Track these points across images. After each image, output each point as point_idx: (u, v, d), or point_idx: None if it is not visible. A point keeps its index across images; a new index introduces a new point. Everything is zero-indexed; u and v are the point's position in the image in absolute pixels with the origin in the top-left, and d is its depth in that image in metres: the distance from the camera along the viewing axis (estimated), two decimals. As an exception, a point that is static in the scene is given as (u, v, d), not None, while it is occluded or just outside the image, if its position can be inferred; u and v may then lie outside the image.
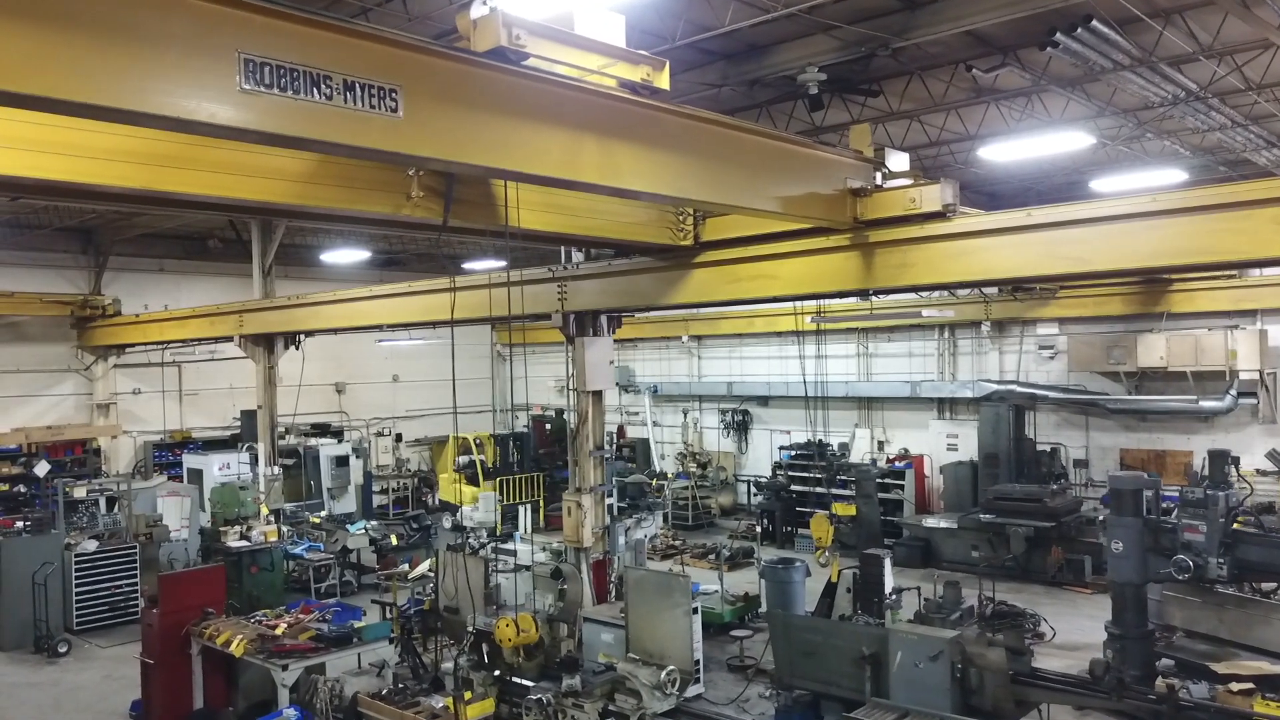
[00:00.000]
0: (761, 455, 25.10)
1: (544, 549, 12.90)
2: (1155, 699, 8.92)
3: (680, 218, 10.40)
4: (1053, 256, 8.40)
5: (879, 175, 9.34)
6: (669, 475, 23.84)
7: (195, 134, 5.52)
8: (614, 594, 12.62)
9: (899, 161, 9.74)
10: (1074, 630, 14.12)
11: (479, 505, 14.09)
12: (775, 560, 14.62)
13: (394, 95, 5.59)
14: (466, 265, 23.86)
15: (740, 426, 25.41)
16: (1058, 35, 9.11)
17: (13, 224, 20.09)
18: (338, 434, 25.97)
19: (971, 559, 17.96)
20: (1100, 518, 17.14)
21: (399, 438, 28.21)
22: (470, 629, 10.03)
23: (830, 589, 13.12)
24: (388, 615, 12.91)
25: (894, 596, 12.96)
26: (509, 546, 13.08)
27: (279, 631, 10.30)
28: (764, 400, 25.04)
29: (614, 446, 28.18)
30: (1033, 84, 11.60)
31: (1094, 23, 9.00)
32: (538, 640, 9.74)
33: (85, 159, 6.23)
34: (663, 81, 7.22)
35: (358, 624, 10.75)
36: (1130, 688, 9.16)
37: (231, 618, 11.02)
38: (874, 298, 11.00)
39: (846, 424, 23.42)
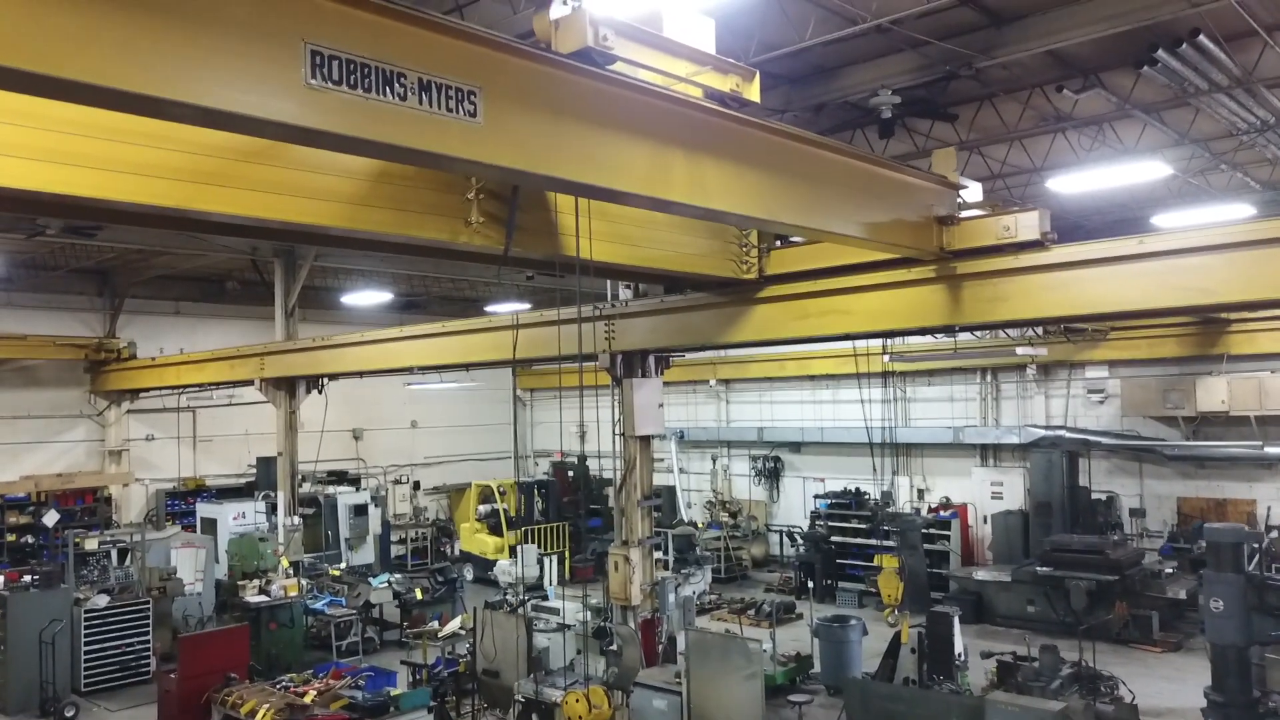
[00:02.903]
0: (794, 504, 24.19)
1: (589, 607, 12.03)
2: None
3: (744, 249, 9.71)
4: (1168, 288, 7.66)
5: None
6: (699, 525, 22.92)
7: (253, 134, 4.85)
8: (662, 656, 11.72)
9: (973, 192, 9.08)
10: (1153, 693, 13.15)
11: (516, 559, 13.20)
12: (829, 618, 13.71)
13: (473, 98, 4.93)
14: (489, 308, 23.27)
15: (772, 474, 24.52)
16: (1159, 52, 8.48)
17: (28, 264, 19.55)
18: (354, 481, 25.15)
19: (1027, 614, 17.02)
20: (1167, 570, 16.24)
21: (417, 485, 27.41)
22: (519, 698, 9.14)
23: (894, 649, 12.24)
24: (417, 677, 12.05)
25: (963, 658, 12.09)
26: (551, 604, 12.20)
27: (308, 699, 9.43)
28: (796, 446, 24.19)
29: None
30: (1115, 109, 10.97)
31: (1200, 37, 8.37)
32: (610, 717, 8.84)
33: (117, 173, 5.55)
34: (753, 93, 6.58)
35: (393, 691, 9.87)
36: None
37: (255, 683, 10.16)
38: (959, 334, 10.26)
39: (884, 471, 22.54)
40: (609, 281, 12.14)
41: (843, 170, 7.41)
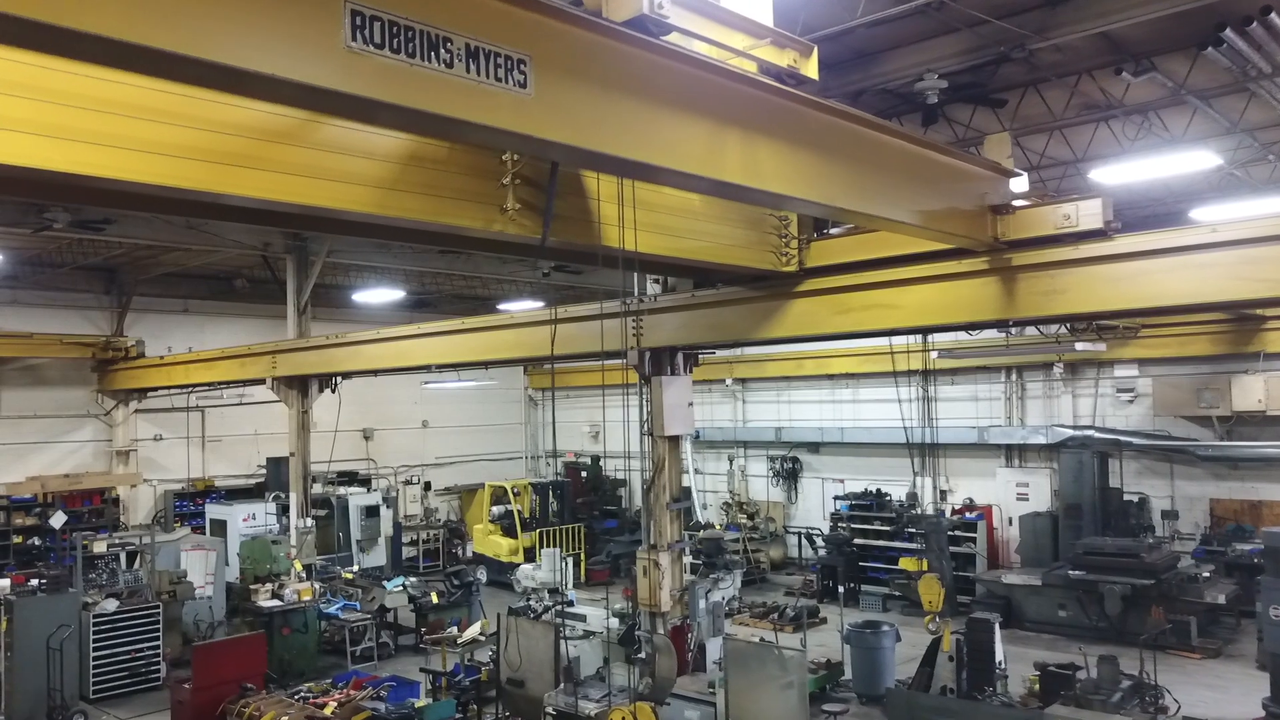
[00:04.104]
0: (813, 505, 23.76)
1: (616, 613, 11.62)
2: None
3: (784, 240, 9.28)
4: (1240, 279, 7.22)
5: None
6: (717, 527, 22.47)
7: (288, 102, 4.46)
8: (691, 664, 11.30)
9: (1020, 183, 8.63)
10: (1197, 702, 12.67)
11: (541, 563, 12.78)
12: (861, 623, 13.27)
13: (523, 67, 4.52)
14: (501, 306, 22.85)
15: (790, 475, 24.07)
16: (1227, 31, 8.04)
17: (34, 261, 19.17)
18: (365, 482, 24.76)
19: (1058, 619, 16.58)
20: (1204, 574, 15.78)
21: (428, 486, 27.01)
22: (549, 710, 8.73)
23: (930, 657, 11.81)
24: (436, 684, 11.62)
25: (1003, 667, 11.66)
26: (577, 610, 11.78)
27: (328, 711, 9.02)
28: (815, 447, 23.75)
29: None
30: (1166, 95, 10.52)
31: (1272, 15, 7.93)
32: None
33: (133, 152, 5.13)
34: (810, 70, 6.17)
35: (417, 703, 9.45)
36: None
37: (273, 694, 9.74)
38: (1013, 330, 9.83)
39: (904, 472, 22.08)
40: (635, 277, 11.73)
41: (898, 154, 6.98)
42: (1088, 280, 7.91)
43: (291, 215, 6.59)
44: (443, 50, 4.20)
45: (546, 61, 4.63)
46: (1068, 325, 13.37)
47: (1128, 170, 11.29)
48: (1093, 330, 17.81)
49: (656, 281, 11.31)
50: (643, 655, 10.96)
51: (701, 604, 11.41)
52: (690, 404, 11.25)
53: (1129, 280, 7.73)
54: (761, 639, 11.10)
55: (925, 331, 9.67)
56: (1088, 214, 7.73)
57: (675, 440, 11.47)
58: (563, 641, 9.79)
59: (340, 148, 5.98)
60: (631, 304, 11.21)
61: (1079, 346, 14.14)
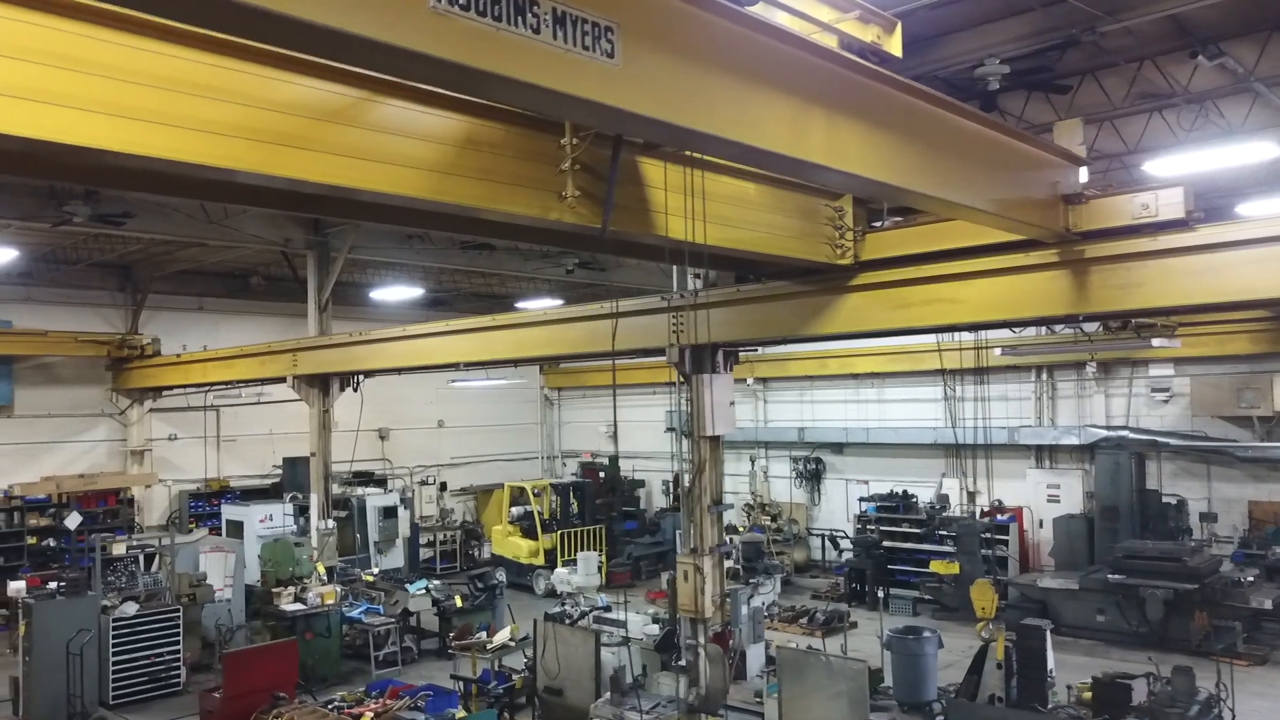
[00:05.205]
0: (836, 507, 23.38)
1: (654, 618, 11.25)
2: None
3: (839, 232, 8.91)
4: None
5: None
6: (739, 529, 22.11)
7: (368, 66, 4.13)
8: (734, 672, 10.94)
9: (1081, 174, 8.25)
10: (1249, 712, 12.25)
11: (577, 567, 12.41)
12: (902, 629, 12.89)
13: (610, 35, 4.19)
14: (519, 304, 22.52)
15: (813, 476, 23.69)
16: (1312, 10, 7.70)
17: (48, 258, 18.84)
18: (380, 483, 24.40)
19: (1096, 624, 16.19)
20: (1248, 578, 15.39)
21: (443, 486, 26.66)
22: (596, 721, 8.38)
23: (978, 665, 11.43)
24: (467, 691, 11.26)
25: (1053, 674, 11.29)
26: (614, 616, 11.41)
27: (365, 721, 8.68)
28: (839, 448, 23.37)
29: (670, 496, 26.58)
30: (1231, 83, 10.15)
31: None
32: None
33: (186, 131, 4.79)
34: (894, 47, 5.87)
35: (457, 714, 9.08)
36: None
37: (306, 703, 9.38)
38: (1083, 325, 9.45)
39: (929, 473, 21.73)
40: (675, 271, 11.38)
41: (976, 139, 6.62)
42: (1166, 273, 7.55)
43: (339, 201, 6.24)
44: (529, 14, 3.88)
45: (634, 30, 4.30)
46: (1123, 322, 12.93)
47: (1184, 162, 10.88)
48: (1127, 327, 17.43)
49: (698, 276, 10.96)
50: (683, 663, 10.61)
51: (744, 610, 11.03)
52: (732, 403, 10.89)
53: (1212, 273, 7.36)
54: (810, 647, 10.71)
55: (989, 327, 9.31)
56: (1168, 203, 7.37)
57: (716, 440, 11.11)
58: (604, 649, 9.42)
59: (394, 128, 5.64)
60: (671, 299, 10.86)
61: (1155, 343, 13.70)
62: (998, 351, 13.66)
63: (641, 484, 26.91)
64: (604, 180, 6.58)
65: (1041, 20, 8.61)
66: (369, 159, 5.56)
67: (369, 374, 16.14)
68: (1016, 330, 13.11)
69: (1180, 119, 11.20)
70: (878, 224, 9.44)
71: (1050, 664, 11.08)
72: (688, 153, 7.13)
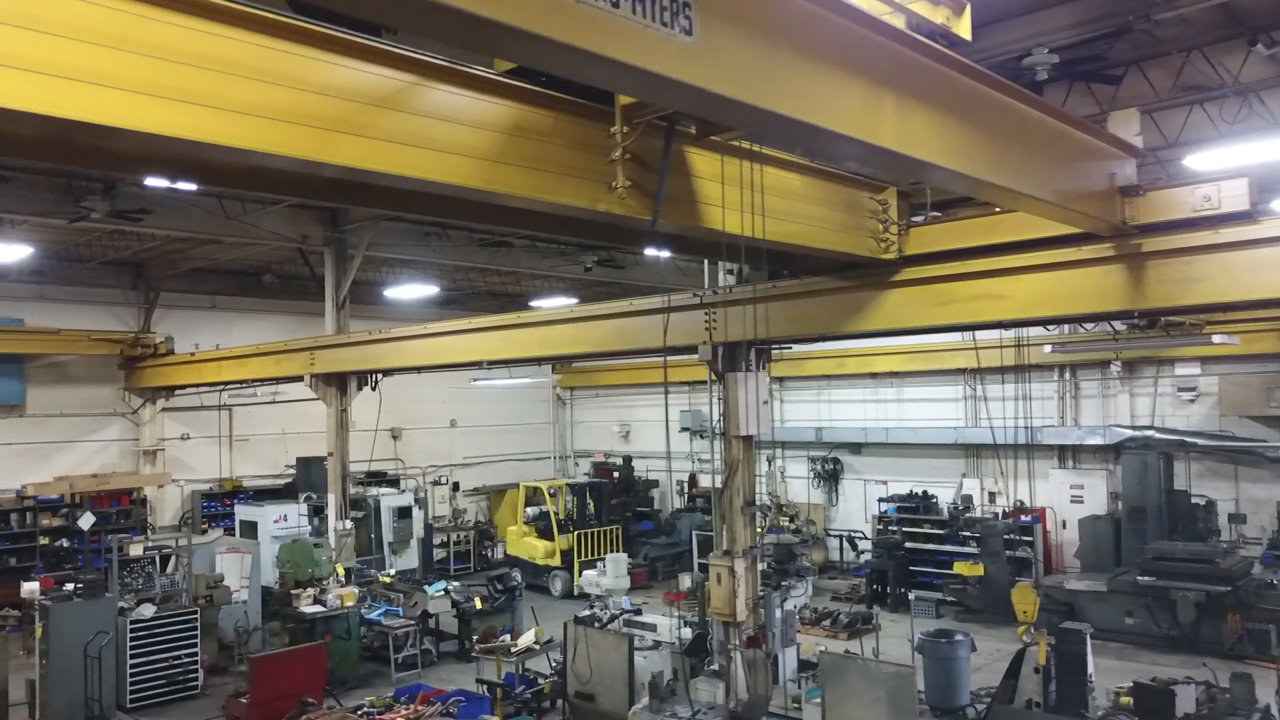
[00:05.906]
0: (854, 508, 23.13)
1: (685, 622, 11.03)
2: None
3: (883, 225, 8.69)
4: None
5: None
6: (759, 530, 21.84)
7: (447, 38, 3.89)
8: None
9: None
10: (1290, 718, 12.05)
11: (606, 569, 12.17)
12: (933, 632, 12.66)
13: (687, 12, 3.99)
14: (534, 303, 22.29)
15: (831, 476, 23.46)
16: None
17: (61, 255, 18.65)
18: (394, 483, 24.19)
19: (1125, 626, 15.93)
20: (1281, 581, 15.12)
21: (456, 486, 26.46)
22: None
23: (1015, 669, 11.20)
24: (493, 695, 11.04)
25: (1093, 680, 11.04)
26: (646, 619, 11.19)
27: (398, 728, 8.46)
28: (857, 448, 23.13)
29: (685, 496, 26.35)
30: (1278, 74, 9.92)
31: None
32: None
33: (233, 114, 4.57)
34: (963, 30, 5.64)
35: None
36: None
37: (334, 709, 9.17)
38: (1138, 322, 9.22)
39: (948, 473, 21.49)
40: (705, 264, 11.17)
41: (1039, 128, 6.41)
42: (1228, 267, 7.33)
43: (382, 191, 6.01)
44: (608, -14, 3.66)
45: (709, 7, 4.09)
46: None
47: (1231, 155, 10.62)
48: (1155, 325, 17.19)
49: (730, 272, 10.73)
50: (715, 667, 10.39)
51: (777, 613, 10.81)
52: (766, 402, 10.65)
53: (1277, 267, 7.12)
54: (847, 651, 10.49)
55: (1038, 323, 9.09)
56: (1232, 194, 7.15)
57: (749, 441, 10.89)
58: (638, 654, 9.20)
59: (443, 114, 5.44)
60: (704, 295, 10.64)
61: (1216, 340, 13.44)
62: (1047, 349, 13.39)
63: (655, 484, 26.68)
64: (654, 171, 6.37)
65: (1096, 7, 8.39)
66: (420, 145, 5.35)
67: (388, 373, 15.93)
68: (1050, 329, 12.91)
69: (1223, 111, 10.95)
70: (918, 218, 9.24)
71: (1090, 669, 10.84)
72: (735, 143, 6.94)
